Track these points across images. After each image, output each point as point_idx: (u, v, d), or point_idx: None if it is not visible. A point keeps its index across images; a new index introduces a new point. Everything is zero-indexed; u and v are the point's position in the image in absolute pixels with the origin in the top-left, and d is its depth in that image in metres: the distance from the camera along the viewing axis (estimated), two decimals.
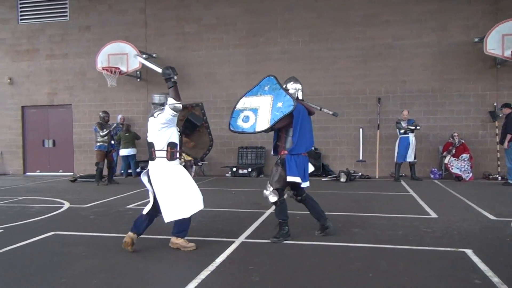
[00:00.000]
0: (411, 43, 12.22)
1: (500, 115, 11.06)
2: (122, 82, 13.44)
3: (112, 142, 11.33)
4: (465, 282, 3.60)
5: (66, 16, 14.31)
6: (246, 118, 4.97)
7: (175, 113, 4.51)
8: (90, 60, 13.54)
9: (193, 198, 4.59)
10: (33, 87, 14.51)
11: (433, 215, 6.50)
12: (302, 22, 12.80)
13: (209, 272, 3.92)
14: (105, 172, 11.30)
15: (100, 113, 11.31)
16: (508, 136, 9.92)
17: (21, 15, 14.61)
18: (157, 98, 4.72)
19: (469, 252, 4.46)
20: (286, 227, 5.03)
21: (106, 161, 11.11)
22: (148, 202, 4.72)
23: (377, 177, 12.02)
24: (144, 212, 4.66)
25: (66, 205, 7.79)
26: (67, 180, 12.09)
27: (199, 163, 12.95)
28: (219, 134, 13.00)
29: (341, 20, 12.57)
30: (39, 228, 5.80)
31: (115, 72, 12.56)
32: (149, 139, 4.64)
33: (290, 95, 5.02)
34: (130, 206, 7.59)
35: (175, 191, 4.50)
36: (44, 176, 13.74)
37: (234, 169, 12.66)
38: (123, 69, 12.65)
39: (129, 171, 13.00)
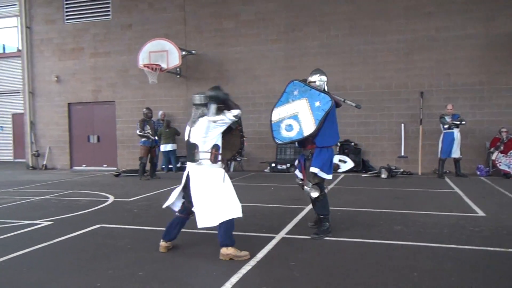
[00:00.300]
0: (455, 35, 11.78)
1: None
2: (163, 78, 13.70)
3: (156, 138, 11.63)
4: None
5: (109, 15, 14.72)
6: (289, 127, 4.95)
7: (236, 119, 4.49)
8: (132, 58, 13.88)
9: (231, 205, 4.33)
10: (79, 84, 15.04)
11: (481, 213, 6.27)
12: (341, 16, 12.60)
13: (250, 267, 3.95)
14: (148, 167, 11.56)
15: (144, 110, 11.62)
16: None
17: (66, 15, 15.15)
18: (197, 98, 4.52)
19: None
20: (327, 223, 4.99)
21: (149, 156, 11.36)
22: (173, 196, 4.66)
23: (419, 174, 11.69)
24: (169, 203, 4.67)
25: (111, 198, 8.05)
26: (111, 175, 12.48)
27: (238, 159, 13.06)
28: (257, 130, 13.05)
29: (382, 12, 12.27)
30: (86, 221, 6.03)
31: (156, 69, 12.82)
32: (193, 140, 4.41)
33: (324, 91, 4.99)
34: None
35: (213, 197, 4.28)
36: (89, 171, 14.24)
37: (273, 164, 12.67)
38: (164, 66, 12.89)
39: (170, 166, 13.27)
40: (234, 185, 4.50)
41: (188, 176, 4.45)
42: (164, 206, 4.71)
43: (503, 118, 11.45)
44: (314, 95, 4.91)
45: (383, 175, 10.86)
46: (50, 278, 3.75)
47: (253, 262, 4.08)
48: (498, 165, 10.74)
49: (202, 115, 4.46)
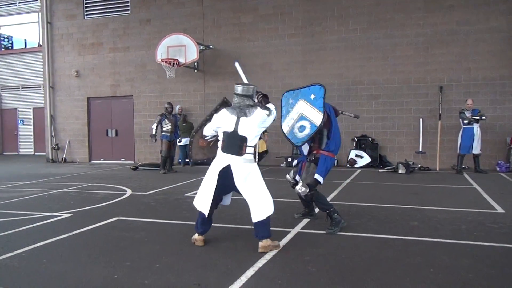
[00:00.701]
0: (477, 28, 11.54)
1: None
2: (180, 73, 13.79)
3: (178, 132, 11.80)
4: None
5: (128, 10, 14.85)
6: (302, 128, 5.10)
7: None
8: (150, 53, 13.99)
9: (270, 198, 4.38)
10: (98, 79, 15.24)
11: (500, 210, 6.17)
12: (360, 9, 12.46)
13: (266, 260, 3.97)
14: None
15: (165, 104, 11.89)
16: None
17: (86, 11, 15.34)
18: (246, 89, 4.45)
19: None
20: (336, 215, 5.00)
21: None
22: (201, 196, 4.45)
23: (437, 169, 11.54)
24: (203, 209, 4.36)
25: (129, 192, 8.17)
26: (128, 168, 12.64)
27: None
28: (274, 124, 12.94)
29: (401, 5, 12.10)
30: (104, 213, 6.14)
31: (173, 63, 12.91)
32: (242, 133, 4.25)
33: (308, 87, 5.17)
34: (188, 194, 7.82)
35: (264, 190, 4.31)
36: (108, 164, 14.46)
37: (289, 159, 12.66)
38: (181, 60, 12.97)
39: (186, 160, 13.37)
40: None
41: (225, 170, 4.26)
42: (203, 209, 4.39)
43: None
44: (305, 92, 5.13)
45: (401, 171, 10.76)
46: (69, 269, 3.84)
47: (268, 256, 4.10)
48: None
49: (254, 106, 4.33)
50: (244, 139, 4.23)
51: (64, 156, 15.48)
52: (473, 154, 10.72)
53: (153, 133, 11.42)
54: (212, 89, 13.98)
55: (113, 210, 6.44)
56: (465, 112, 10.65)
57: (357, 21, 12.50)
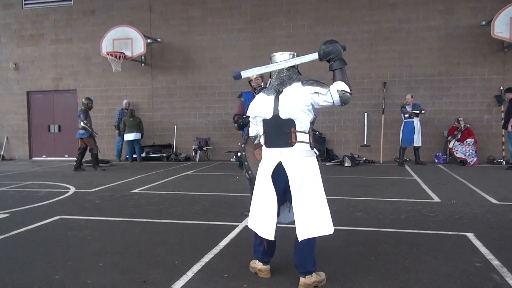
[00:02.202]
0: (417, 27, 12.09)
1: (504, 99, 10.97)
2: (127, 67, 13.44)
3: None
4: (466, 265, 3.63)
5: (70, 0, 14.24)
6: None
7: (341, 103, 3.25)
8: (95, 45, 13.53)
9: (328, 213, 3.21)
10: (38, 72, 14.55)
11: (436, 199, 6.53)
12: (308, 6, 12.68)
13: (213, 255, 3.98)
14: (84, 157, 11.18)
15: (84, 100, 11.08)
16: None
17: (25, 0, 14.56)
18: (280, 57, 3.35)
19: (470, 235, 4.49)
20: None
21: (82, 146, 10.92)
22: (257, 215, 3.32)
23: (381, 162, 12.03)
24: (267, 233, 3.21)
25: (72, 189, 7.88)
26: (72, 165, 12.17)
27: (204, 148, 13.04)
28: (223, 119, 13.05)
29: (347, 3, 12.44)
30: (45, 212, 5.89)
31: (119, 57, 12.55)
32: (285, 114, 3.13)
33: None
34: (135, 190, 7.67)
35: (318, 198, 3.16)
36: (50, 161, 13.87)
37: (239, 154, 12.67)
38: (128, 54, 12.64)
39: (134, 156, 13.10)
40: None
41: (276, 172, 3.15)
42: (266, 234, 3.22)
43: (460, 107, 11.90)
44: None
45: (347, 164, 11.10)
46: (6, 271, 3.66)
47: (215, 250, 4.11)
48: (455, 153, 11.17)
49: (291, 80, 3.25)
50: (290, 123, 3.12)
51: (1, 154, 14.68)
52: (414, 146, 11.26)
53: (85, 125, 10.69)
54: (160, 84, 13.75)
55: (55, 208, 6.19)
56: (406, 107, 11.16)
57: (305, 17, 12.71)
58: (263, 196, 3.24)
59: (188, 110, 13.62)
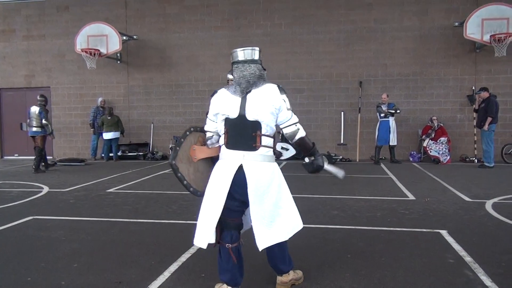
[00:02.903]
0: (393, 27, 12.27)
1: (476, 99, 11.24)
2: (102, 64, 13.21)
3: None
4: (440, 262, 3.72)
5: None
6: None
7: (294, 134, 3.11)
8: (69, 42, 13.25)
9: (293, 214, 3.12)
10: (10, 69, 14.15)
11: (411, 197, 6.65)
12: (285, 4, 12.71)
13: (190, 254, 3.95)
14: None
15: (41, 97, 10.45)
16: (489, 119, 10.07)
17: None
18: (240, 53, 3.03)
19: (444, 232, 4.59)
20: None
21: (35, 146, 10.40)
22: (201, 222, 3.03)
23: (357, 160, 12.18)
24: (200, 240, 2.96)
25: (45, 189, 7.71)
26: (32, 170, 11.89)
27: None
28: (200, 118, 12.93)
29: (324, 2, 12.52)
30: (17, 213, 5.74)
31: (94, 54, 12.33)
32: (252, 116, 2.90)
33: None
34: (111, 190, 7.55)
35: (278, 204, 2.99)
36: (22, 160, 13.51)
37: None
38: (103, 51, 12.42)
39: (110, 154, 12.90)
40: None
41: (237, 176, 2.89)
42: (199, 241, 2.99)
43: (434, 107, 12.15)
44: None
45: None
46: None
47: (192, 250, 4.08)
48: (429, 151, 11.40)
49: (259, 78, 2.98)
50: (256, 126, 2.91)
51: None
52: (389, 145, 11.44)
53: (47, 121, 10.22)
54: (137, 81, 13.57)
55: (27, 209, 6.04)
56: (382, 106, 11.32)
57: (282, 15, 12.74)
58: (211, 199, 2.95)
59: (165, 108, 13.48)
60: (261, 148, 2.92)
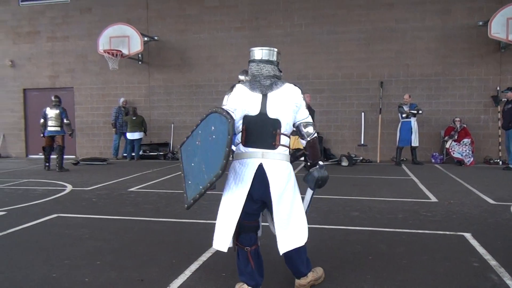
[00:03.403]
0: (414, 26, 12.10)
1: (503, 99, 11.01)
2: (124, 64, 13.40)
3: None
4: (464, 265, 3.65)
5: None
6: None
7: (311, 133, 3.07)
8: (92, 43, 13.47)
9: (305, 218, 3.05)
10: (35, 69, 14.48)
11: (433, 199, 6.54)
12: (305, 5, 12.67)
13: (210, 254, 3.98)
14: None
15: (54, 97, 10.76)
16: None
17: None
18: (258, 52, 3.04)
19: (467, 235, 4.50)
20: None
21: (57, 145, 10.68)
22: (219, 225, 2.99)
23: (378, 161, 12.05)
24: (220, 244, 2.93)
25: (69, 187, 7.86)
26: (69, 163, 12.13)
27: None
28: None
29: (344, 2, 12.43)
30: (42, 211, 5.87)
31: (116, 54, 12.51)
32: (273, 114, 2.89)
33: None
34: (132, 189, 7.65)
35: (298, 206, 2.98)
36: None
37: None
38: (125, 51, 12.60)
39: (132, 154, 13.07)
40: None
41: (258, 173, 2.86)
42: (222, 248, 2.94)
43: (457, 108, 11.93)
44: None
45: (344, 163, 11.12)
46: (3, 269, 3.65)
47: (213, 249, 4.09)
48: (451, 153, 11.20)
49: (277, 77, 3.03)
50: (276, 124, 2.89)
51: None
52: (411, 146, 11.28)
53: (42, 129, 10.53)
54: (157, 82, 13.72)
55: (52, 206, 6.17)
56: (403, 107, 11.18)
57: (302, 16, 12.70)
58: (229, 201, 2.93)
59: (185, 109, 13.59)
60: (279, 147, 2.90)
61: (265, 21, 12.94)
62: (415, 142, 11.20)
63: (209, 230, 4.74)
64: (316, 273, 3.23)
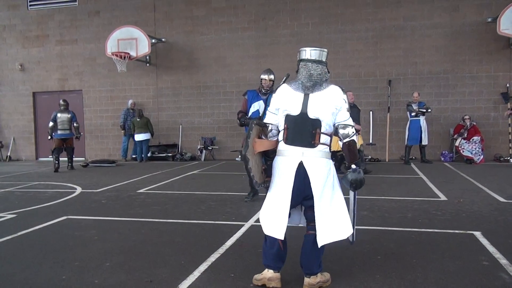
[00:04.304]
0: (422, 24, 12.02)
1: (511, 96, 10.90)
2: (132, 67, 13.48)
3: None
4: (474, 264, 3.62)
5: (75, 1, 14.30)
6: None
7: (348, 135, 3.14)
8: (100, 46, 13.58)
9: (347, 216, 3.16)
10: (44, 73, 14.62)
11: (443, 197, 6.49)
12: (312, 4, 12.65)
13: (219, 254, 3.98)
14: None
15: (62, 101, 11.46)
16: None
17: (30, 1, 14.63)
18: (309, 52, 3.22)
19: (477, 234, 4.46)
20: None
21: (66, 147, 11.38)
22: (269, 213, 3.17)
23: (387, 160, 11.98)
24: (277, 232, 3.08)
25: (78, 189, 7.92)
26: (78, 165, 12.23)
27: (209, 147, 13.06)
28: (228, 119, 13.05)
29: (352, 1, 12.39)
30: (52, 213, 5.92)
31: (124, 57, 12.59)
32: (313, 114, 3.06)
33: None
34: (141, 190, 7.69)
35: (339, 202, 3.13)
36: None
37: (238, 158, 12.70)
38: (133, 54, 12.69)
39: (142, 156, 13.14)
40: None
41: (299, 170, 3.05)
42: (276, 233, 3.10)
43: (466, 105, 11.83)
44: None
45: None
46: (15, 271, 3.69)
47: (221, 250, 4.11)
48: (461, 151, 11.11)
49: (323, 79, 3.17)
50: (316, 123, 3.05)
51: (8, 154, 14.77)
52: (420, 145, 11.20)
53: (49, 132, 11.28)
54: (165, 83, 13.78)
55: (61, 209, 6.22)
56: (412, 105, 11.10)
57: (309, 15, 12.68)
58: (278, 193, 3.12)
59: (193, 110, 13.63)
60: (319, 146, 3.06)
61: (272, 21, 12.94)
62: (424, 140, 11.12)
63: (217, 231, 4.77)
64: (324, 276, 3.26)
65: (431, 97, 11.90)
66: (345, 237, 3.12)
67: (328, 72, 3.21)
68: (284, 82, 3.56)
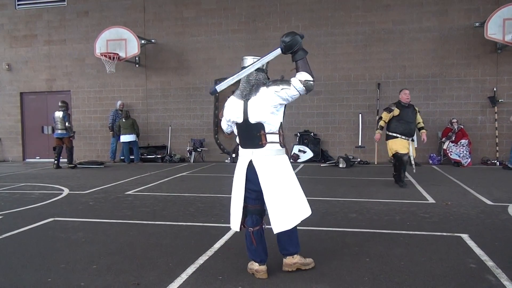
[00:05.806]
0: (411, 28, 12.13)
1: (500, 100, 11.01)
2: (121, 68, 13.39)
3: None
4: (461, 266, 3.64)
5: (64, 0, 14.17)
6: None
7: (306, 92, 3.37)
8: (89, 46, 13.47)
9: (302, 201, 3.49)
10: (32, 73, 14.46)
11: (431, 200, 6.54)
12: (302, 7, 12.69)
13: (207, 257, 3.96)
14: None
15: (60, 103, 12.14)
16: None
17: (18, 0, 14.46)
18: (244, 61, 3.50)
19: (465, 236, 4.50)
20: None
21: (60, 146, 12.15)
22: (231, 209, 3.58)
23: (376, 163, 12.05)
24: (233, 224, 3.54)
25: (66, 191, 7.83)
26: (66, 167, 12.11)
27: (199, 149, 13.01)
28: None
29: (342, 4, 12.45)
30: (38, 214, 5.84)
31: (113, 58, 12.50)
32: (254, 119, 3.34)
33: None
34: (129, 192, 7.63)
35: (288, 192, 3.40)
36: (44, 163, 13.78)
37: (234, 155, 12.67)
38: (122, 54, 12.60)
39: (131, 157, 13.05)
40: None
41: (249, 170, 3.42)
42: (233, 225, 3.56)
43: (454, 109, 11.95)
44: None
45: (341, 165, 11.12)
46: None
47: (210, 252, 4.09)
48: (449, 154, 11.22)
49: (259, 84, 3.40)
50: (260, 126, 3.34)
51: None
52: None
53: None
54: (155, 85, 13.70)
55: (48, 210, 6.14)
56: None
57: (299, 18, 12.72)
58: (234, 191, 3.53)
59: (182, 111, 13.58)
60: (268, 145, 3.38)
61: (262, 23, 12.95)
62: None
63: (206, 233, 4.75)
64: (303, 259, 3.55)
65: (419, 101, 11.97)
66: (299, 221, 3.41)
67: (268, 78, 3.48)
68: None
